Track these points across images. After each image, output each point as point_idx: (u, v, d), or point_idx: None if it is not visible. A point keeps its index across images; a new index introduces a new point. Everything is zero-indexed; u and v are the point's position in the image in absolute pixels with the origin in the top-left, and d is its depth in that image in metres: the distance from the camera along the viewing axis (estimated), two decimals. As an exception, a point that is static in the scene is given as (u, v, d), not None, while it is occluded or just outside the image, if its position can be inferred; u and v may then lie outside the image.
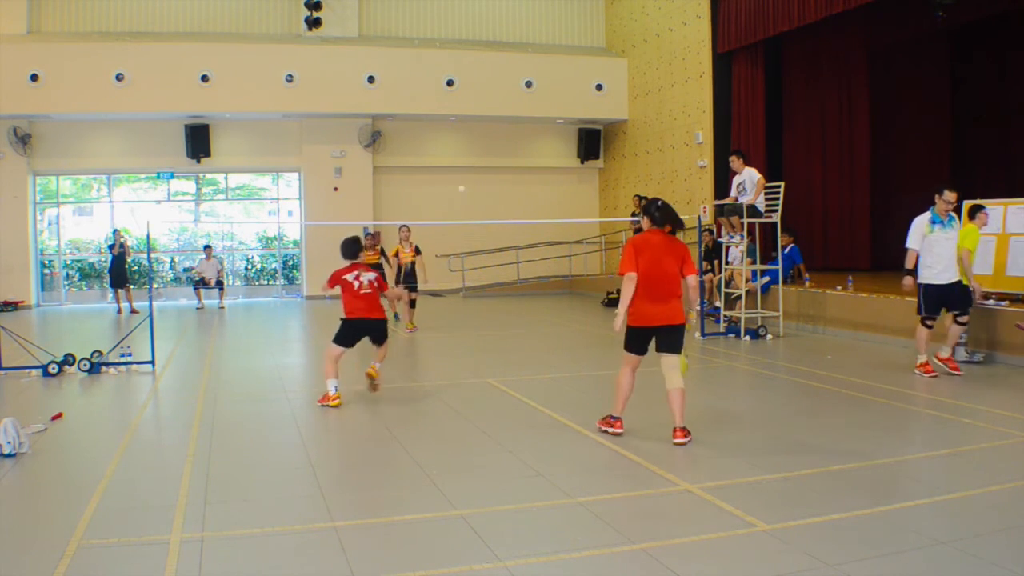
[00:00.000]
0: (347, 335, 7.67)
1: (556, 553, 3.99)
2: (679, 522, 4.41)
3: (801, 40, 15.91)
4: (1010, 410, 6.97)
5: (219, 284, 18.08)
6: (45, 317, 16.61)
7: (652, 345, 6.10)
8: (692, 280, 6.08)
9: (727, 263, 12.69)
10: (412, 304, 13.33)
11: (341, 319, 7.74)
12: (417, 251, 13.39)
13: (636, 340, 6.05)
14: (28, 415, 6.79)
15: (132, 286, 17.57)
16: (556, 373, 9.38)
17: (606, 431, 6.16)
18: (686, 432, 5.91)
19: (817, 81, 16.92)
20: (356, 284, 7.70)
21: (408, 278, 13.19)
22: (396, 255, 13.47)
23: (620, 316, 5.95)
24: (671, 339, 6.00)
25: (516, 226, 19.65)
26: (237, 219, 20.76)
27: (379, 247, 13.91)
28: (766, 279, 12.61)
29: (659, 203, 6.22)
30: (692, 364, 9.93)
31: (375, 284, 7.73)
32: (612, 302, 16.97)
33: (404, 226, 13.63)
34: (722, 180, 16.41)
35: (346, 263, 7.80)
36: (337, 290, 7.86)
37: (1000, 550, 3.94)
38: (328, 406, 7.44)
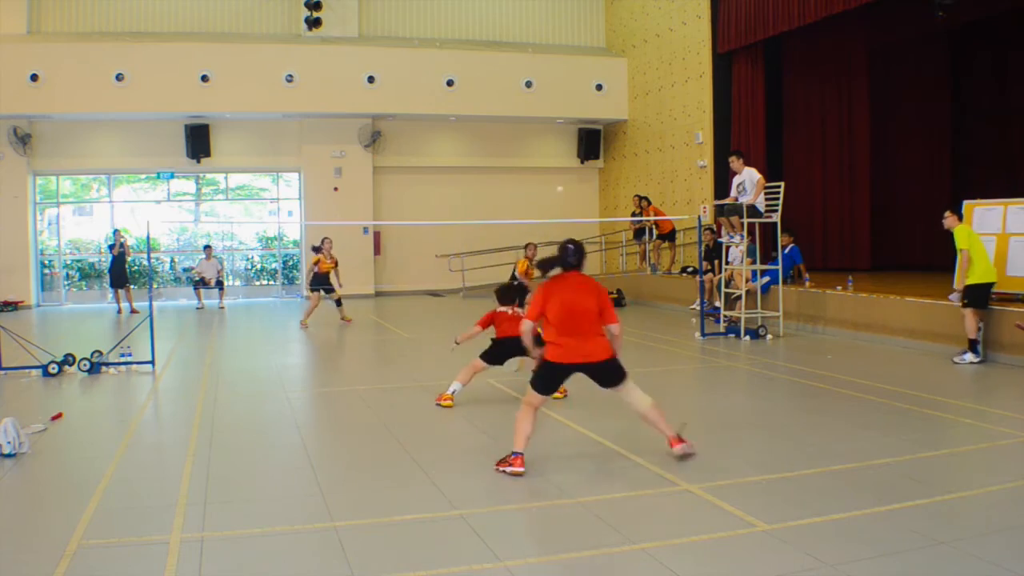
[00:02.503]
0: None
1: (556, 553, 4.00)
2: (679, 522, 4.41)
3: (801, 40, 15.91)
4: (1010, 410, 6.97)
5: (219, 284, 18.08)
6: (45, 317, 16.61)
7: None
8: (615, 328, 5.37)
9: (727, 263, 12.69)
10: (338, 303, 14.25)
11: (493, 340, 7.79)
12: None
13: (549, 377, 5.38)
14: (28, 415, 6.78)
15: (132, 286, 17.58)
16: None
17: (503, 471, 5.28)
18: (681, 439, 5.43)
19: (817, 81, 16.93)
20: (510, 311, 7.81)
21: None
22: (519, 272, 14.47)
23: (537, 352, 5.41)
24: (606, 375, 5.37)
25: (516, 226, 19.64)
26: (237, 219, 20.75)
27: (334, 258, 14.37)
28: (766, 279, 12.61)
29: (571, 247, 5.54)
30: (689, 365, 9.93)
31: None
32: (612, 302, 16.92)
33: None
34: (722, 180, 16.41)
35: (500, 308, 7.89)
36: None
37: (1000, 550, 3.94)
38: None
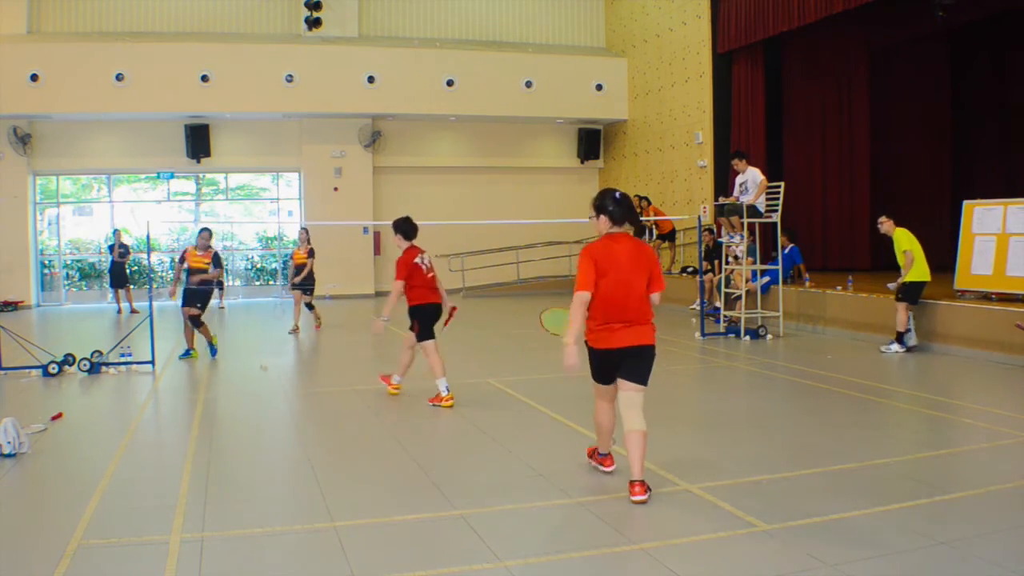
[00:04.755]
0: (429, 324, 7.36)
1: (556, 553, 3.99)
2: (679, 522, 4.41)
3: (801, 40, 15.90)
4: (1010, 410, 6.97)
5: (219, 284, 18.07)
6: (45, 317, 16.61)
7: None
8: (656, 298, 4.89)
9: (727, 263, 12.69)
10: (309, 306, 13.43)
11: (413, 308, 7.37)
12: (311, 254, 13.37)
13: (601, 366, 4.92)
14: (28, 415, 6.79)
15: (132, 286, 17.58)
16: (556, 373, 9.36)
17: (596, 467, 5.28)
18: (645, 487, 4.68)
19: (817, 81, 16.92)
20: (424, 268, 7.44)
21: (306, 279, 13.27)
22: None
23: (570, 345, 4.67)
24: (638, 365, 4.81)
25: (516, 226, 19.65)
26: (237, 219, 20.76)
27: (310, 247, 13.46)
28: (766, 279, 12.61)
29: (616, 195, 4.94)
30: (689, 365, 9.93)
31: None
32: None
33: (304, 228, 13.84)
34: (722, 180, 16.41)
35: (405, 244, 7.47)
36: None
37: (1000, 550, 3.94)
38: (440, 407, 7.28)
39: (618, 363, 4.82)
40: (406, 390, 7.95)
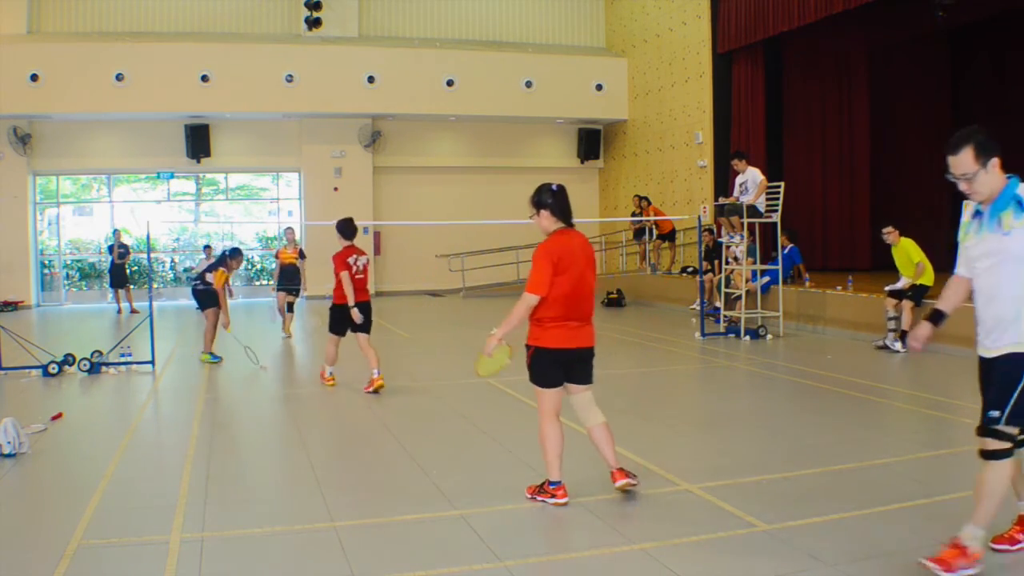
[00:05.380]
0: (343, 321, 8.16)
1: (556, 553, 4.00)
2: (679, 522, 4.41)
3: (801, 40, 15.90)
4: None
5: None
6: (45, 317, 16.61)
7: None
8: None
9: (727, 263, 12.69)
10: (289, 308, 12.92)
11: (335, 305, 8.17)
12: (302, 255, 13.15)
13: (553, 368, 4.63)
14: (28, 415, 6.78)
15: (132, 286, 17.58)
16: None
17: (544, 501, 4.66)
18: (626, 472, 4.69)
19: (817, 81, 16.91)
20: (355, 268, 8.07)
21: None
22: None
23: (496, 336, 4.56)
24: (588, 367, 4.74)
25: (516, 226, 19.64)
26: (237, 219, 20.76)
27: (300, 247, 13.29)
28: (766, 279, 12.61)
29: (553, 187, 4.73)
30: (689, 365, 9.93)
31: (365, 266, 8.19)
32: (612, 302, 16.95)
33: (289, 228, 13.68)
34: (722, 180, 16.40)
35: (345, 243, 8.19)
36: (330, 288, 8.18)
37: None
38: (325, 384, 8.31)
39: (571, 364, 4.66)
40: (406, 390, 7.96)
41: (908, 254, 10.37)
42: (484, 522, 4.41)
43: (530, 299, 4.52)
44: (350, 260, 8.01)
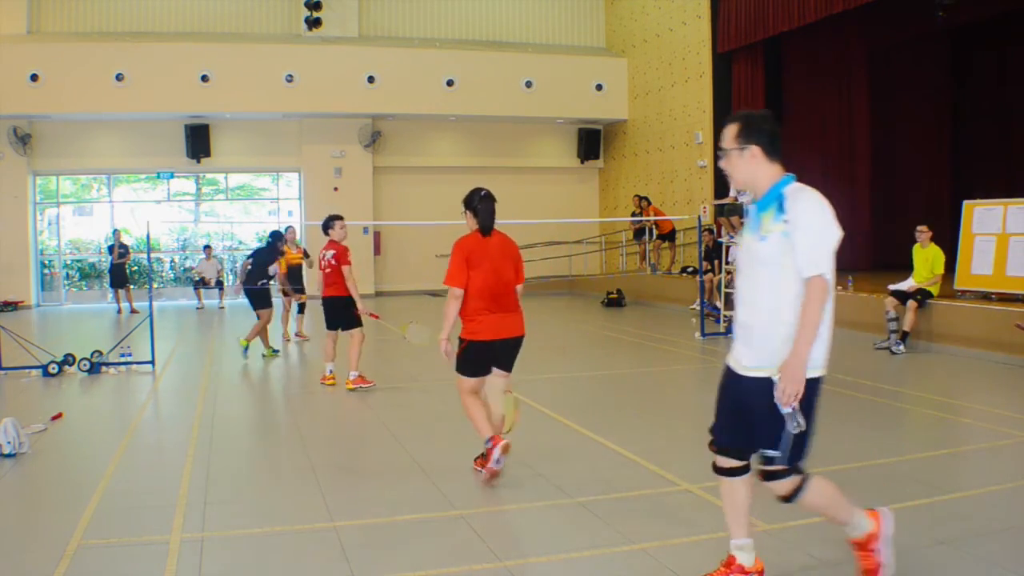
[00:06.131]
0: (327, 316, 8.44)
1: (556, 553, 3.99)
2: (679, 522, 4.41)
3: (801, 40, 15.90)
4: (1010, 410, 6.97)
5: (219, 284, 18.08)
6: (45, 317, 16.61)
7: None
8: (519, 289, 5.18)
9: (727, 263, 12.69)
10: (300, 309, 12.58)
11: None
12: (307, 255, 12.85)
13: (477, 358, 5.06)
14: (28, 415, 6.78)
15: (132, 286, 17.59)
16: (556, 373, 9.39)
17: (480, 470, 5.07)
18: (491, 454, 4.91)
19: (817, 81, 16.92)
20: (323, 263, 8.32)
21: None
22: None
23: (443, 338, 5.01)
24: (512, 356, 5.17)
25: (516, 226, 19.63)
26: (237, 219, 20.76)
27: (303, 247, 13.04)
28: (766, 279, 12.59)
29: (482, 192, 5.18)
30: (689, 365, 9.93)
31: (333, 263, 8.28)
32: (612, 302, 16.96)
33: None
34: (722, 180, 16.37)
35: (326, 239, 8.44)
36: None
37: (1000, 550, 3.94)
38: (325, 385, 8.35)
39: (495, 354, 5.08)
40: (406, 390, 7.95)
41: (933, 262, 10.23)
42: (484, 522, 4.41)
43: (451, 292, 4.99)
44: (320, 253, 8.48)
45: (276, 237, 10.82)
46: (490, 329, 4.99)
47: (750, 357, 3.18)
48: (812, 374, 3.09)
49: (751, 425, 3.21)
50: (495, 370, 5.15)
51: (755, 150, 3.25)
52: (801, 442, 3.14)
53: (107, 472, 5.44)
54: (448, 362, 5.13)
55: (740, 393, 3.24)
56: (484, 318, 4.98)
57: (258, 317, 10.42)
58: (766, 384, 3.10)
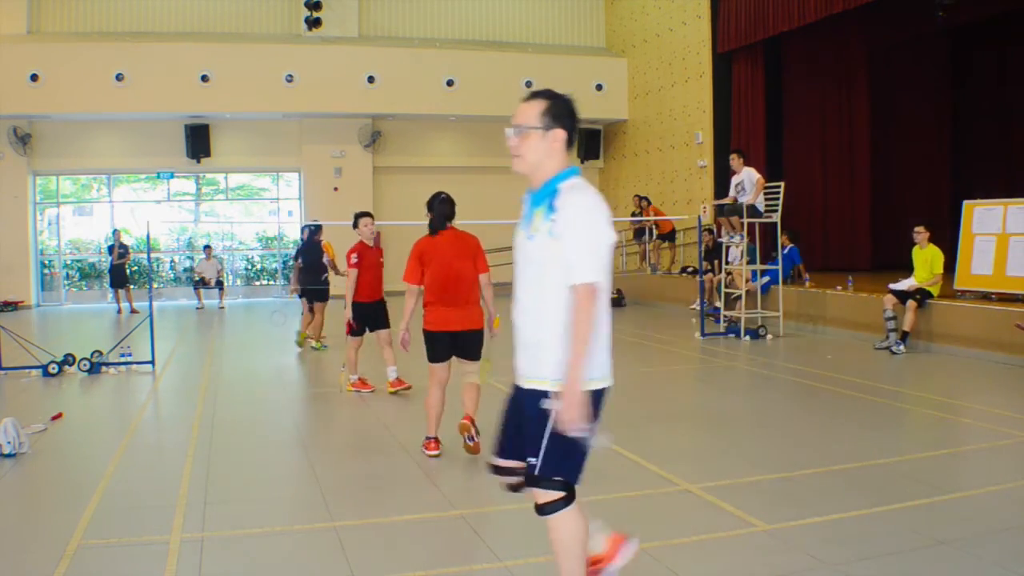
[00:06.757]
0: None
1: (556, 553, 3.99)
2: (679, 522, 4.41)
3: (801, 40, 15.89)
4: (1010, 410, 6.97)
5: (219, 284, 18.09)
6: (45, 317, 16.61)
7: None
8: (484, 279, 5.63)
9: (727, 263, 12.69)
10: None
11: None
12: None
13: (431, 345, 5.60)
14: (28, 415, 6.78)
15: (132, 286, 17.59)
16: (556, 373, 9.35)
17: (425, 452, 5.70)
18: (473, 422, 5.66)
19: (817, 81, 16.91)
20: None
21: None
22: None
23: (402, 329, 5.63)
24: (472, 347, 5.65)
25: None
26: (237, 219, 20.76)
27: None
28: (766, 279, 12.61)
29: (442, 196, 5.72)
30: (689, 365, 9.93)
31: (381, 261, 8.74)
32: (612, 302, 16.86)
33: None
34: (722, 180, 16.39)
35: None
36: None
37: (1000, 550, 3.94)
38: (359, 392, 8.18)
39: (452, 345, 5.58)
40: (404, 391, 7.95)
41: (932, 262, 10.24)
42: (484, 522, 4.41)
43: (407, 288, 5.57)
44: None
45: (312, 231, 11.21)
46: (438, 321, 5.52)
47: (522, 364, 2.94)
48: (592, 386, 2.83)
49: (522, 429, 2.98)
50: (461, 361, 5.66)
51: (559, 134, 2.90)
52: (571, 456, 2.92)
53: (107, 472, 5.44)
54: (405, 351, 5.82)
55: (517, 401, 3.01)
56: (435, 310, 5.53)
57: (312, 312, 10.90)
58: (538, 393, 2.86)
